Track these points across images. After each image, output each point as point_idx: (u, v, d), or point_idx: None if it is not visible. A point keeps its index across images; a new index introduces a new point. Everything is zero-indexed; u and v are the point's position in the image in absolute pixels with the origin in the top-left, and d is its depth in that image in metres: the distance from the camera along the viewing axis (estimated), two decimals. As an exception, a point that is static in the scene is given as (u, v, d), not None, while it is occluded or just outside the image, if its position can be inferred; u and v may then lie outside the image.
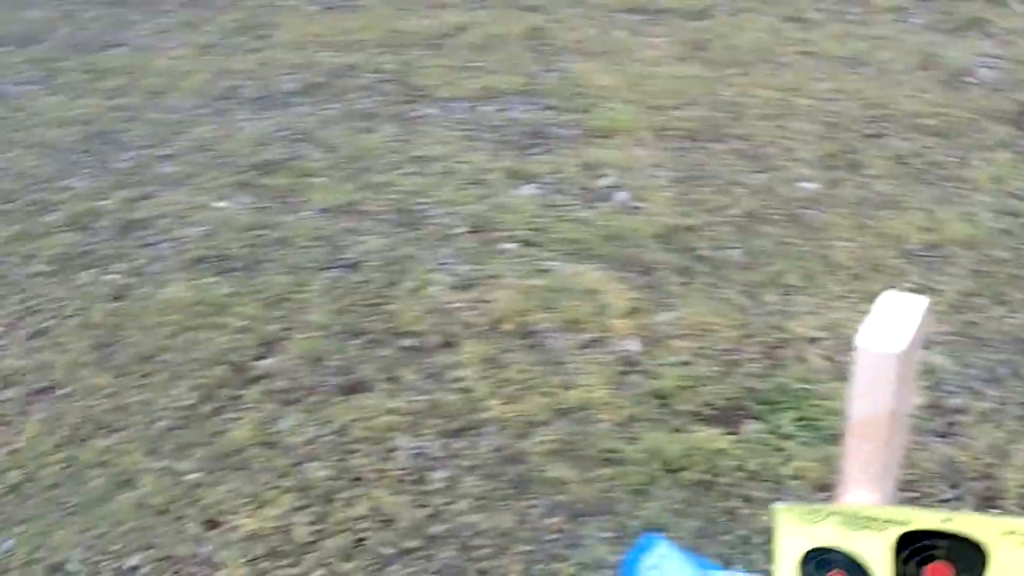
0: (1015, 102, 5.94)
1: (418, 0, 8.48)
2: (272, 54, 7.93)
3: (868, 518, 1.52)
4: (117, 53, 8.57)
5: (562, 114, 6.22)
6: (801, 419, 3.55)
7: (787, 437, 3.49)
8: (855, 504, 1.60)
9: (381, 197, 5.53)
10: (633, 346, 4.07)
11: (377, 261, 4.94)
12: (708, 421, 3.62)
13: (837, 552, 1.56)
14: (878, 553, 1.52)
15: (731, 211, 5.04)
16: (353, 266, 4.94)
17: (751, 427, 3.55)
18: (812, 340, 3.99)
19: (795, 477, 3.30)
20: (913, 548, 1.51)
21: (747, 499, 3.28)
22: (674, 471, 3.40)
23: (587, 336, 4.15)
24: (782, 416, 3.57)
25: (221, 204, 5.69)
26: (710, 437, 3.50)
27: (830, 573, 1.58)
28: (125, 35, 9.03)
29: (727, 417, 3.64)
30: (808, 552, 1.58)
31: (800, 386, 3.70)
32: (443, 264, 4.83)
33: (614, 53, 7.05)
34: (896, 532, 1.50)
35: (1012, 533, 1.43)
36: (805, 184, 5.24)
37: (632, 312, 4.25)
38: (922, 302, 1.53)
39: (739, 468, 3.38)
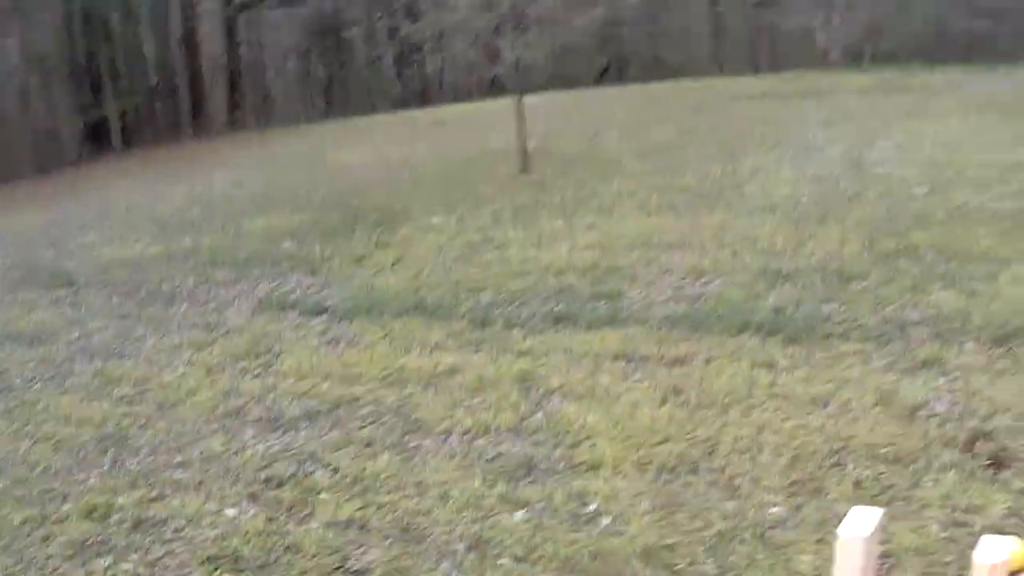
0: (965, 430, 6.53)
1: (416, 341, 9.16)
2: (276, 380, 8.78)
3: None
4: (126, 363, 9.37)
5: (550, 449, 6.86)
6: None
7: None
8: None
9: (384, 515, 6.07)
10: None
11: (381, 571, 5.45)
12: None
13: None
14: None
15: (705, 533, 5.59)
16: (359, 573, 5.44)
17: None
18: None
19: None
20: None
21: None
22: None
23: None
24: None
25: (232, 511, 6.26)
26: None
27: None
28: (133, 347, 9.94)
29: None
30: None
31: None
32: (444, 576, 5.36)
33: (598, 396, 7.73)
34: None
35: None
36: (772, 509, 5.73)
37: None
38: (879, 511, 2.23)
39: None
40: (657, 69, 36.75)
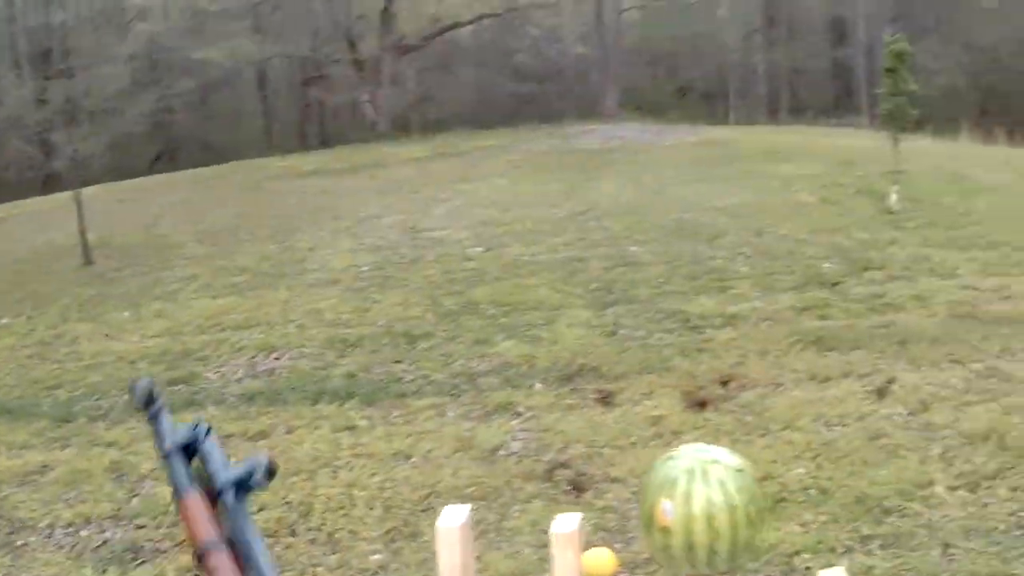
0: (544, 463, 7.11)
1: (2, 443, 9.03)
2: None
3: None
4: None
5: (154, 531, 7.02)
6: None
7: None
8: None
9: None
10: None
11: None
12: None
13: None
14: None
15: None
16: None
17: None
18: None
19: None
20: None
21: None
22: None
23: None
24: None
25: None
26: None
27: None
28: None
29: None
30: None
31: None
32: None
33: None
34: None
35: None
36: (373, 556, 6.08)
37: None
38: (467, 507, 2.61)
39: None
40: (208, 153, 36.77)
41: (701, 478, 2.30)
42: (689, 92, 49.26)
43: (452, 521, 2.63)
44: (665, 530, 2.33)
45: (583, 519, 2.66)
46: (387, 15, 35.72)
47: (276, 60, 41.03)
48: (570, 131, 29.48)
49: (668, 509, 2.32)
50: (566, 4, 37.90)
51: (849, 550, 6.01)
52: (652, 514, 2.34)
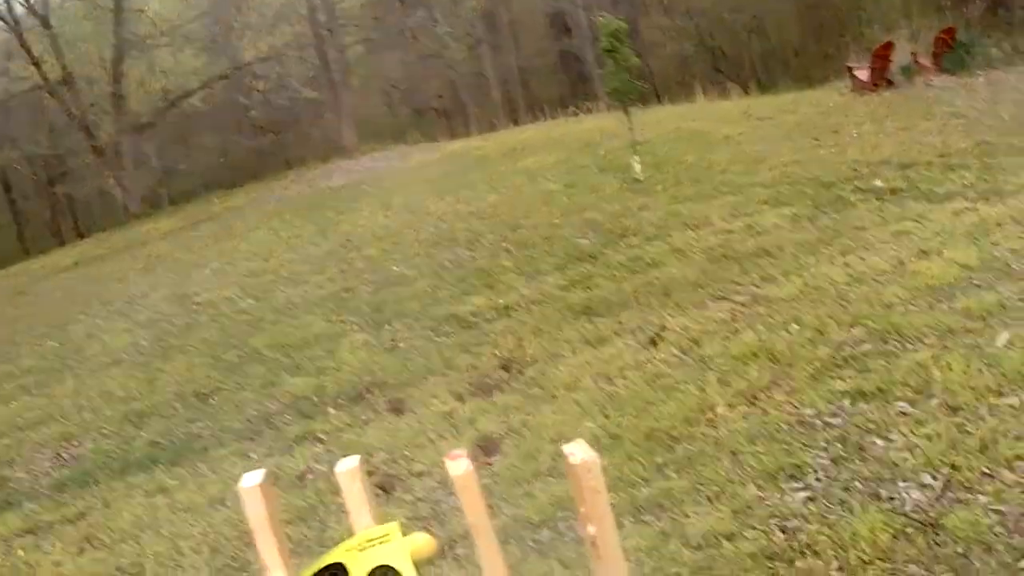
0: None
1: None
2: None
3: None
4: None
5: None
6: None
7: None
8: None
9: None
10: None
11: None
12: None
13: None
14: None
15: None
16: None
17: None
18: None
19: None
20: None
21: None
22: None
23: None
24: None
25: None
26: None
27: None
28: None
29: None
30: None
31: None
32: None
33: (23, 572, 7.82)
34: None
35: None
36: None
37: None
38: (262, 470, 2.82)
39: None
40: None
41: None
42: (426, 113, 49.96)
43: (251, 481, 2.83)
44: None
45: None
46: (117, 98, 35.48)
47: (17, 164, 40.44)
48: (314, 173, 29.75)
49: None
50: (290, 51, 38.01)
51: (646, 480, 6.42)
52: None
